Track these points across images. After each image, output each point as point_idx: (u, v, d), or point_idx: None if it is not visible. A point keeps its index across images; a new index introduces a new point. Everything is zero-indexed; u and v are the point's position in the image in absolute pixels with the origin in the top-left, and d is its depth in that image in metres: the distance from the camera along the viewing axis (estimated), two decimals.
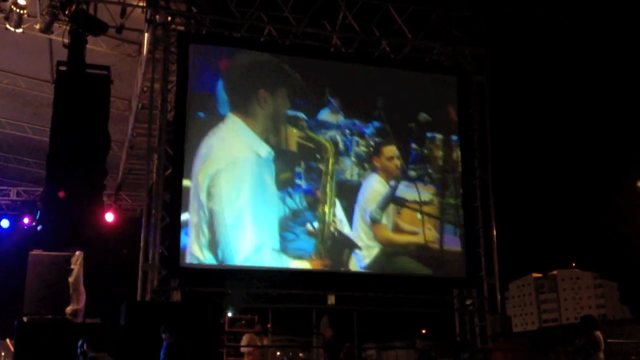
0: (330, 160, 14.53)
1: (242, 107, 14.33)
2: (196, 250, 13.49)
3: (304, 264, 14.06)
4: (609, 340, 14.44)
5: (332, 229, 14.27)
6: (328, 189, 14.39)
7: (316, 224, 14.17)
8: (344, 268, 14.28)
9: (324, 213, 14.27)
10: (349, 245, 14.38)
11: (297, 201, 14.16)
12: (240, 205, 13.85)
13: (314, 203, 14.29)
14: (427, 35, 15.89)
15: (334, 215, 14.32)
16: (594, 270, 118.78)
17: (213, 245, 13.56)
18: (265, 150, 14.24)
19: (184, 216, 13.49)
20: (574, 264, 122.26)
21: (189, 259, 13.43)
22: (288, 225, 14.01)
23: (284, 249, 13.92)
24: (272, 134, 14.36)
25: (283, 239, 13.91)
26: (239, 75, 14.57)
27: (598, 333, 9.86)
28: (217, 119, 14.16)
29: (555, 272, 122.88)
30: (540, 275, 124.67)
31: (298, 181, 14.26)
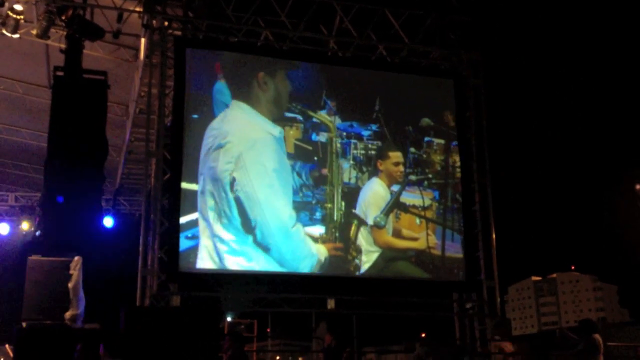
0: (329, 163, 14.50)
1: (245, 94, 14.30)
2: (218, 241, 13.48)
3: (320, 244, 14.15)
4: (608, 344, 14.44)
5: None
6: (329, 191, 14.39)
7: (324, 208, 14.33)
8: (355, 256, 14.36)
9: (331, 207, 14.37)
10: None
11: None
12: (268, 182, 13.90)
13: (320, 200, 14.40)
14: (423, 39, 15.90)
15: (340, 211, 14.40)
16: (593, 274, 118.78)
17: (247, 227, 13.55)
18: (276, 130, 14.27)
19: (190, 217, 13.40)
20: (573, 267, 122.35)
21: (205, 265, 13.40)
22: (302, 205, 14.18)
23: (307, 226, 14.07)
24: (278, 119, 14.37)
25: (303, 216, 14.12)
26: (236, 65, 14.54)
27: (597, 336, 9.89)
28: (212, 119, 14.08)
29: (554, 275, 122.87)
30: (539, 278, 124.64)
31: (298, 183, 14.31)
